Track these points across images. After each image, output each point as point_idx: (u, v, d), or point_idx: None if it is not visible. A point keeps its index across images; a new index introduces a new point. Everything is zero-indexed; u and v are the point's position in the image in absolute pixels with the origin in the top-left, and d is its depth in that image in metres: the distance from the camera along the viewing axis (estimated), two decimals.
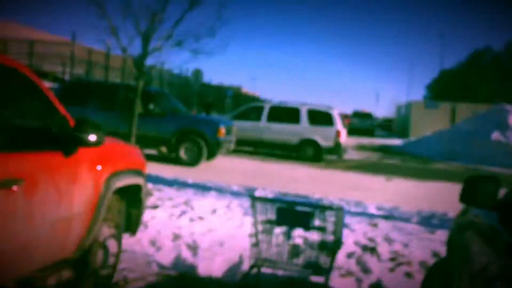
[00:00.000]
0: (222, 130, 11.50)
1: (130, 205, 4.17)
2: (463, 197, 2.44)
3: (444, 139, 22.54)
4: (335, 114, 14.94)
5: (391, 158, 19.44)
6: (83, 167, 3.13)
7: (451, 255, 3.05)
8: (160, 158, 11.91)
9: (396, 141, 30.18)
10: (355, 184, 10.95)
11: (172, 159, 11.53)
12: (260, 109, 15.61)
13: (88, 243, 3.29)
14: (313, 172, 12.58)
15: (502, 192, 2.58)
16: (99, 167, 3.29)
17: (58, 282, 3.14)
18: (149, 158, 9.94)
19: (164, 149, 11.75)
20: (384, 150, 23.71)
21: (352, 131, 38.24)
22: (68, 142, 2.95)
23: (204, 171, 10.80)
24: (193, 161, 11.36)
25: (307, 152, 14.72)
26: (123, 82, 13.22)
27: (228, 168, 11.95)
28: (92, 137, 2.94)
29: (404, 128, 37.38)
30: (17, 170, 2.50)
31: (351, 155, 18.58)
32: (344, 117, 48.41)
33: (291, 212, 3.30)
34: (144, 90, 12.77)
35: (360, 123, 37.92)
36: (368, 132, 37.32)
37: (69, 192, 2.95)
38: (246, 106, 16.93)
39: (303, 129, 14.83)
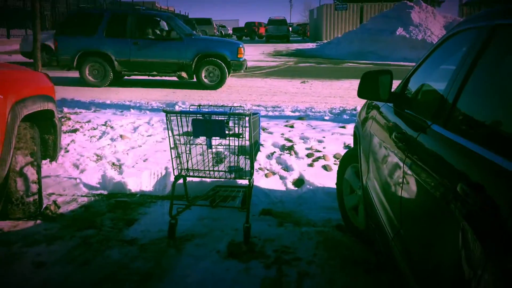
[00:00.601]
0: (242, 50, 11.38)
1: (43, 131, 4.09)
2: (361, 92, 2.67)
3: (353, 39, 23.36)
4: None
5: (306, 61, 19.91)
6: None
7: (357, 144, 3.37)
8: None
9: (310, 45, 30.78)
10: (272, 90, 11.22)
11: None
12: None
13: (3, 173, 3.25)
14: (232, 81, 12.66)
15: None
16: (0, 96, 3.16)
17: None
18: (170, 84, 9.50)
19: (184, 75, 11.35)
20: (299, 54, 24.16)
21: (268, 38, 39.14)
22: None
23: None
24: (215, 85, 11.24)
25: None
26: (134, 8, 12.24)
27: (147, 83, 11.69)
28: None
29: (317, 32, 37.97)
30: None
31: (268, 62, 18.76)
32: (259, 25, 48.50)
33: (206, 122, 3.33)
34: (155, 14, 12.03)
35: (276, 31, 38.79)
36: (283, 38, 38.36)
37: None
38: None
39: None
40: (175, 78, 11.85)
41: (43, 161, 4.50)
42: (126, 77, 12.37)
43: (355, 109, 7.96)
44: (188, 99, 9.38)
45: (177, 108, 7.73)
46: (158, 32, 11.48)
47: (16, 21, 26.81)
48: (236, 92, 10.75)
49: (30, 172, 3.57)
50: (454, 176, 1.46)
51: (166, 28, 11.42)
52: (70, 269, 2.87)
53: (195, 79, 11.38)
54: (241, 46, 11.60)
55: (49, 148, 4.22)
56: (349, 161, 3.54)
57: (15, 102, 3.32)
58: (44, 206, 3.75)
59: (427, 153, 1.78)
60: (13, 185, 3.47)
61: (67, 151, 5.27)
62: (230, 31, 57.49)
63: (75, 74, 11.89)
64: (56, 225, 3.53)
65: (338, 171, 3.68)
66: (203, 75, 11.21)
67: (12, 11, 26.74)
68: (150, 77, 12.01)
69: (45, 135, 4.13)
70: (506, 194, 1.17)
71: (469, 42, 1.90)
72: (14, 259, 2.98)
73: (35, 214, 3.62)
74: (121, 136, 5.81)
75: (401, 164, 2.00)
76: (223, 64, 11.15)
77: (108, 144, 5.53)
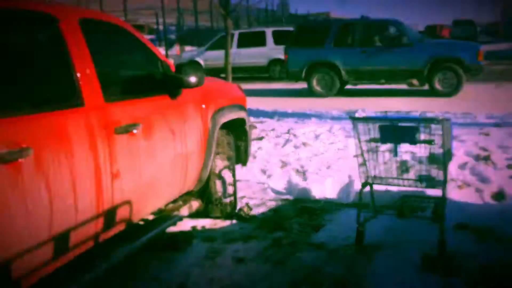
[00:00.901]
0: (482, 52, 10.72)
1: (237, 138, 4.41)
2: None
3: None
4: None
5: (499, 63, 17.91)
6: (190, 107, 3.35)
7: None
8: None
9: (504, 45, 27.60)
10: (460, 96, 10.37)
11: None
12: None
13: (206, 175, 3.59)
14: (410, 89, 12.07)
15: None
16: (204, 106, 3.50)
17: (190, 212, 3.51)
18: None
19: (415, 82, 11.04)
20: (490, 56, 21.85)
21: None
22: (172, 86, 3.16)
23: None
24: (450, 92, 10.50)
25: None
26: (362, 17, 12.28)
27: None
28: (193, 79, 3.11)
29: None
30: (134, 115, 2.75)
31: None
32: (441, 27, 45.66)
33: (395, 129, 3.23)
34: (384, 21, 11.84)
35: (461, 32, 36.22)
36: (470, 39, 35.45)
37: (181, 131, 3.19)
38: (218, 36, 17.11)
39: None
40: (402, 86, 11.41)
41: (236, 166, 4.87)
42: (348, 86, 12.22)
43: None
44: (368, 106, 9.20)
45: (357, 115, 7.65)
46: (386, 38, 11.17)
47: (205, 39, 29.53)
48: (419, 100, 10.21)
49: (227, 175, 3.88)
50: None
51: (394, 34, 11.12)
52: (267, 267, 3.03)
53: (427, 87, 10.73)
54: (480, 48, 10.64)
55: (241, 154, 4.54)
56: None
57: (215, 111, 3.66)
58: (238, 207, 4.05)
59: None
60: (213, 186, 3.81)
61: (255, 157, 5.60)
62: None
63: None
64: (249, 226, 3.77)
65: None
66: (436, 81, 10.50)
67: (201, 30, 29.55)
68: (376, 86, 11.78)
69: (238, 142, 4.46)
70: None
71: None
72: (217, 253, 3.26)
73: (231, 214, 3.92)
74: (303, 143, 5.97)
75: None
76: (460, 69, 10.30)
77: (292, 151, 5.72)
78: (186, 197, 3.60)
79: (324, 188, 4.59)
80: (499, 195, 4.09)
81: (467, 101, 9.63)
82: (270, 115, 8.43)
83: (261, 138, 6.42)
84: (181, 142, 3.18)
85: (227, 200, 3.88)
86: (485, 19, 61.06)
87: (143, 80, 3.17)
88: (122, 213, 2.64)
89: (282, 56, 14.47)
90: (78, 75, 2.40)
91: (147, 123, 2.83)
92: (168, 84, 3.16)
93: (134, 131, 2.67)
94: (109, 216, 2.53)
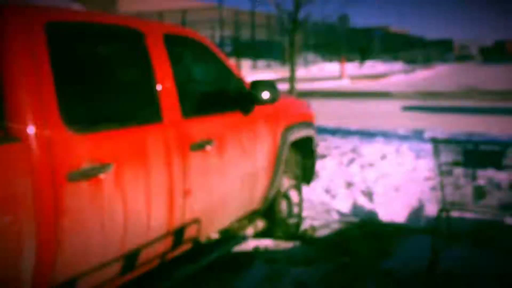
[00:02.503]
0: None
1: (304, 156, 4.33)
2: None
3: None
4: None
5: None
6: (261, 124, 3.32)
7: None
8: None
9: None
10: None
11: None
12: None
13: (272, 194, 3.53)
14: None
15: None
16: (275, 123, 3.46)
17: (256, 231, 3.45)
18: None
19: None
20: None
21: None
22: (245, 102, 3.14)
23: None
24: None
25: None
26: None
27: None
28: (266, 95, 3.08)
29: None
30: (208, 132, 2.75)
31: None
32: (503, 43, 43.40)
33: (480, 153, 3.09)
34: None
35: None
36: None
37: (251, 148, 3.16)
38: None
39: None
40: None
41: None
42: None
43: None
44: (438, 126, 8.84)
45: (425, 136, 7.35)
46: None
47: (261, 52, 29.72)
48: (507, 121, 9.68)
49: (293, 195, 3.80)
50: None
51: None
52: None
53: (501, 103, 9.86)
54: None
55: (306, 173, 4.45)
56: None
57: (285, 128, 3.60)
58: (302, 228, 3.95)
59: None
60: (278, 206, 3.74)
61: (318, 176, 5.48)
62: (473, 51, 52.90)
63: None
64: (313, 248, 3.66)
65: None
66: None
67: (257, 43, 29.80)
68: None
69: (304, 160, 4.37)
70: None
71: None
72: (277, 276, 3.17)
73: (295, 236, 3.82)
74: (369, 164, 5.79)
75: None
76: None
77: (358, 171, 5.56)
78: (251, 216, 3.56)
79: (392, 211, 4.41)
80: None
81: None
82: (333, 132, 8.28)
83: (324, 157, 6.30)
84: (251, 159, 3.16)
85: (292, 220, 3.80)
86: None
87: (218, 95, 3.18)
88: (190, 231, 2.63)
89: None
90: (159, 90, 2.43)
91: (220, 139, 2.82)
92: (242, 100, 3.15)
93: (208, 147, 2.67)
94: (178, 234, 2.53)
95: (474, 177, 3.47)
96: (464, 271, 3.18)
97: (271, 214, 3.73)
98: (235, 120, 3.08)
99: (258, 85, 3.09)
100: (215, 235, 3.31)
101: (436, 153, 3.18)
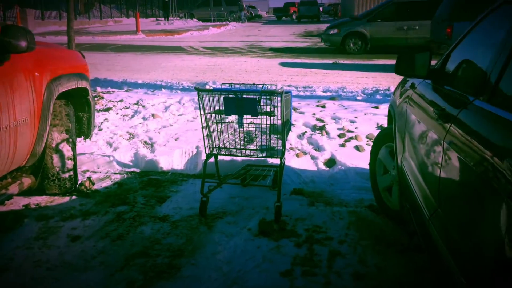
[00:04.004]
0: None
1: (78, 109, 4.15)
2: (399, 69, 2.59)
3: None
4: None
5: None
6: (20, 75, 3.03)
7: (391, 123, 3.29)
8: None
9: None
10: (303, 70, 11.10)
11: None
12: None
13: (40, 149, 3.32)
14: (262, 62, 12.58)
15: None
16: (37, 74, 3.21)
17: (21, 189, 3.21)
18: None
19: None
20: None
21: (299, 18, 40.07)
22: None
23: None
24: None
25: None
26: None
27: (179, 66, 11.74)
28: (22, 43, 2.82)
29: (348, 11, 37.27)
30: None
31: (299, 43, 18.53)
32: (290, 4, 49.31)
33: (238, 100, 3.30)
34: None
35: (307, 11, 40.01)
36: (314, 18, 40.02)
37: (9, 100, 2.88)
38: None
39: None
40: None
41: (78, 139, 4.59)
42: None
43: (388, 90, 7.79)
44: (219, 79, 9.38)
45: (207, 87, 7.73)
46: None
47: (50, 3, 27.21)
48: (266, 73, 10.67)
49: (66, 149, 3.63)
50: (499, 153, 1.39)
51: None
52: (104, 243, 2.92)
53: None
54: None
55: (83, 126, 4.28)
56: (383, 141, 3.46)
57: (51, 79, 3.37)
58: (79, 182, 3.83)
59: (470, 129, 1.71)
60: (49, 161, 3.55)
61: (101, 129, 5.35)
62: (260, 13, 57.31)
63: None
64: (91, 201, 3.61)
65: (371, 151, 3.61)
66: None
67: None
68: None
69: (79, 113, 4.19)
70: None
71: None
72: (50, 232, 3.06)
73: (70, 190, 3.70)
74: (152, 115, 5.86)
75: (441, 142, 1.93)
76: None
77: (140, 123, 5.59)
78: (16, 173, 3.30)
79: (172, 159, 4.58)
80: (330, 162, 4.50)
81: (305, 75, 10.35)
82: (119, 85, 8.08)
83: (108, 110, 6.14)
84: (7, 113, 2.87)
85: (66, 175, 3.65)
86: (327, 0, 66.46)
87: None
88: None
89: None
90: None
91: None
92: None
93: None
94: None
95: (241, 124, 3.80)
96: (231, 208, 3.53)
97: (43, 170, 3.52)
98: None
99: (11, 31, 2.79)
100: None
101: (201, 101, 3.33)
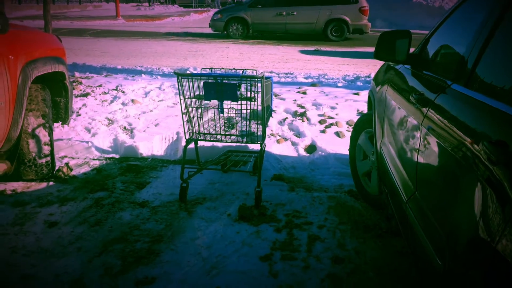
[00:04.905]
0: None
1: (55, 94, 4.07)
2: (377, 54, 2.59)
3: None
4: None
5: None
6: None
7: (371, 109, 3.30)
8: None
9: None
10: (285, 57, 11.06)
11: None
12: None
13: (15, 134, 3.25)
14: (244, 48, 12.50)
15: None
16: (11, 57, 3.13)
17: None
18: None
19: None
20: None
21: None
22: None
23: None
24: None
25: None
26: None
27: (159, 52, 11.60)
28: None
29: None
30: None
31: None
32: None
33: (218, 85, 3.27)
34: None
35: None
36: None
37: None
38: None
39: None
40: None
41: (56, 124, 4.51)
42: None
43: (369, 76, 7.82)
44: (200, 65, 9.29)
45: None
46: None
47: None
48: (248, 59, 10.61)
49: (42, 134, 3.56)
50: (476, 135, 1.41)
51: None
52: (82, 229, 2.89)
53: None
54: None
55: (61, 111, 4.21)
56: (362, 127, 3.48)
57: (26, 63, 3.29)
58: (56, 168, 3.77)
59: (447, 113, 1.72)
60: (25, 146, 3.48)
61: (79, 115, 5.26)
62: None
63: None
64: (69, 187, 3.55)
65: (351, 136, 3.62)
66: None
67: None
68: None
69: (56, 98, 4.12)
70: None
71: (490, 1, 1.80)
72: (27, 218, 3.01)
73: (47, 176, 3.64)
74: (132, 100, 5.79)
75: (419, 126, 1.94)
76: None
77: (120, 109, 5.51)
78: None
79: (152, 145, 4.53)
80: (311, 148, 4.52)
81: (286, 62, 10.33)
82: (98, 70, 7.95)
83: (86, 95, 6.04)
84: None
85: (43, 160, 3.58)
86: None
87: None
88: None
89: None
90: None
91: None
92: None
93: None
94: None
95: (221, 110, 3.77)
96: (212, 194, 3.52)
97: (18, 155, 3.45)
98: None
99: None
100: None
101: (180, 86, 3.29)
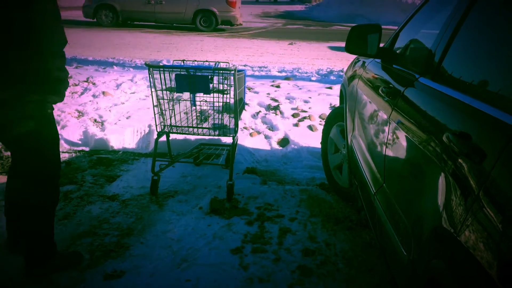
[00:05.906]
0: None
1: None
2: (348, 47, 2.60)
3: (343, 1, 22.91)
4: None
5: (294, 23, 19.58)
6: None
7: (342, 103, 3.33)
8: None
9: (299, 7, 30.16)
10: (259, 51, 11.05)
11: None
12: None
13: None
14: (218, 42, 12.43)
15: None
16: None
17: None
18: None
19: None
20: (288, 16, 23.74)
21: None
22: None
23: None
24: None
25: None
26: None
27: (132, 43, 11.42)
28: None
29: None
30: None
31: (256, 23, 18.41)
32: None
33: (190, 77, 3.23)
34: None
35: None
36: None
37: None
38: None
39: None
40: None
41: None
42: None
43: (342, 71, 7.88)
44: (174, 58, 9.19)
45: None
46: None
47: None
48: (222, 52, 10.55)
49: None
50: (441, 128, 1.43)
51: None
52: None
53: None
54: None
55: None
56: (334, 120, 3.51)
57: None
58: None
59: (414, 106, 1.74)
60: None
61: None
62: None
63: None
64: None
65: (323, 130, 3.65)
66: None
67: None
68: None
69: None
70: (493, 144, 1.14)
71: None
72: None
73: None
74: (103, 92, 5.68)
75: (387, 119, 1.97)
76: None
77: (90, 101, 5.40)
78: None
79: (123, 138, 4.47)
80: (284, 141, 4.53)
81: (261, 55, 10.33)
82: (68, 62, 7.76)
83: None
84: None
85: (8, 153, 3.49)
86: None
87: None
88: None
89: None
90: None
91: None
92: None
93: None
94: None
95: (194, 103, 3.74)
96: (183, 187, 3.49)
97: None
98: None
99: None
100: None
101: (152, 78, 3.24)
